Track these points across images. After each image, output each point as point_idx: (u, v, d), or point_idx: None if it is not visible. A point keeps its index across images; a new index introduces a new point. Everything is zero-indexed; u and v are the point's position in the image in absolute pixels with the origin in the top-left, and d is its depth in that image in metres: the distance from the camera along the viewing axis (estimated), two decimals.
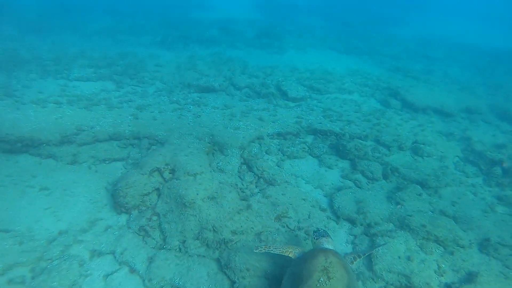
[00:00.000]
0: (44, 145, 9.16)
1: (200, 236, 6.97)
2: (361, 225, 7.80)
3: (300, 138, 10.46)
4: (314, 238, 6.03)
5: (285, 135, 10.44)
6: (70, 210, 7.89)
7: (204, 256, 6.85)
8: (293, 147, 10.01)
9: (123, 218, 7.81)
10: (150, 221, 7.45)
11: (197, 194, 7.38)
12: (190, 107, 11.34)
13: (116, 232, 7.46)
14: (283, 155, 9.79)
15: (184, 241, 7.02)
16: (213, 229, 6.94)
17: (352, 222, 7.90)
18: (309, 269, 4.90)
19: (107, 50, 16.07)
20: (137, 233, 7.35)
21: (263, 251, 5.96)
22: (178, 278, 6.51)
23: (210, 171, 8.26)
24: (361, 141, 10.24)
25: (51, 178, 8.66)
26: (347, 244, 7.50)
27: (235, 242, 6.87)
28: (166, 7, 24.41)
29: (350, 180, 9.21)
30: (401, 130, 11.25)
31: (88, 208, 8.01)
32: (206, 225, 6.98)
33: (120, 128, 9.72)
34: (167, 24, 20.52)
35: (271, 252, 5.90)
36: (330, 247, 5.69)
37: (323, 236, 6.01)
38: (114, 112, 10.60)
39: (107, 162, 9.29)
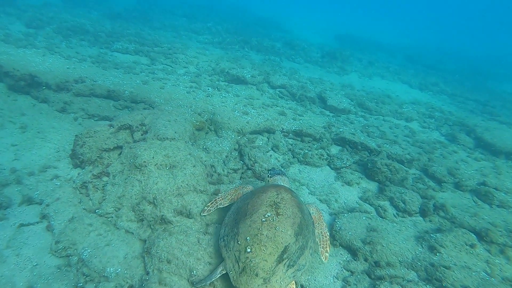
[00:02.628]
0: (44, 87, 8.75)
1: (136, 208, 5.39)
2: (365, 260, 5.51)
3: (321, 143, 8.46)
4: (268, 177, 5.55)
5: (303, 136, 8.58)
6: (33, 152, 7.26)
7: (132, 233, 5.26)
8: (309, 151, 8.05)
9: (76, 172, 6.66)
10: (96, 179, 6.13)
11: (153, 157, 5.90)
12: (209, 89, 10.25)
13: (58, 184, 6.31)
14: (293, 156, 7.90)
15: (118, 209, 5.51)
16: (154, 202, 5.33)
17: (353, 252, 5.65)
18: (256, 203, 4.46)
19: (162, 37, 16.18)
20: (77, 190, 6.07)
21: (212, 210, 5.32)
22: (89, 251, 4.99)
23: (186, 142, 6.74)
24: (401, 166, 7.86)
25: (35, 120, 8.19)
26: (336, 280, 5.22)
27: (174, 226, 5.13)
28: (246, 23, 24.74)
29: (371, 205, 6.91)
30: (465, 167, 8.53)
31: (50, 155, 7.22)
32: (147, 195, 5.39)
33: (121, 87, 8.94)
34: (234, 31, 20.47)
35: (221, 207, 5.32)
36: (285, 184, 5.22)
37: (279, 174, 5.55)
38: (127, 76, 9.96)
39: (95, 118, 8.49)
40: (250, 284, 3.90)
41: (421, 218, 6.79)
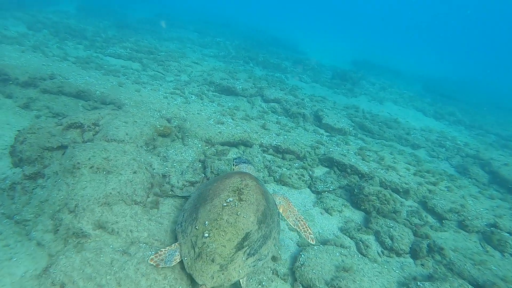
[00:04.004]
0: (11, 82, 8.28)
1: (55, 216, 4.57)
2: None
3: (304, 162, 7.51)
4: (233, 165, 5.38)
5: (285, 152, 7.67)
6: None
7: (43, 245, 4.40)
8: (288, 170, 7.11)
9: (13, 171, 5.97)
10: (29, 180, 5.38)
11: (89, 159, 5.13)
12: (191, 97, 9.59)
13: None
14: (269, 174, 6.97)
15: (37, 216, 4.71)
16: (74, 210, 4.47)
17: None
18: (219, 188, 4.26)
19: (163, 47, 15.88)
20: (5, 191, 5.33)
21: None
22: None
23: (137, 146, 5.97)
24: (395, 195, 6.81)
25: None
26: None
27: (91, 241, 4.25)
28: (260, 42, 24.51)
29: (351, 239, 5.85)
30: (474, 204, 7.35)
31: None
32: (69, 202, 4.58)
33: (93, 87, 8.38)
34: (243, 47, 20.11)
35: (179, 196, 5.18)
36: (251, 173, 5.04)
37: (245, 162, 5.37)
38: (105, 77, 9.46)
39: (60, 117, 7.84)
40: (206, 271, 3.64)
41: (411, 260, 5.68)
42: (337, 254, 5.24)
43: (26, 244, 4.51)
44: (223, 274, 3.67)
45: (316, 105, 11.48)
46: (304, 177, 7.05)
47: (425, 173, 8.32)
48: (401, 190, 7.23)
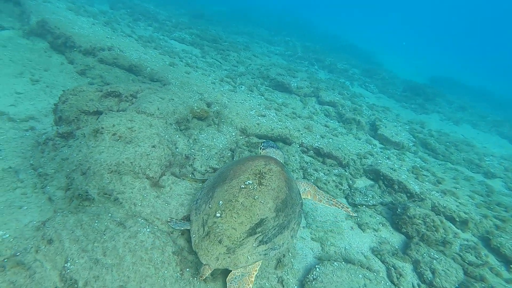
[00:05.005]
0: (75, 49, 8.86)
1: (69, 175, 4.63)
2: None
3: (345, 170, 6.84)
4: (260, 149, 5.23)
5: (326, 156, 7.06)
6: (31, 103, 7.49)
7: (53, 201, 4.47)
8: (325, 175, 6.52)
9: (53, 129, 6.31)
10: (61, 138, 5.57)
11: (113, 125, 5.13)
12: (241, 87, 9.36)
13: (27, 134, 6.06)
14: (303, 176, 6.45)
15: (56, 172, 4.84)
16: (86, 173, 4.48)
17: None
18: (240, 169, 4.11)
19: (230, 38, 16.04)
20: (40, 145, 5.61)
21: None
22: None
23: (166, 123, 5.88)
24: (448, 223, 5.87)
25: (53, 77, 8.36)
26: None
27: (92, 207, 4.21)
28: (332, 47, 23.75)
29: (382, 262, 5.13)
30: None
31: (44, 109, 7.34)
32: (84, 163, 4.59)
33: (145, 63, 8.56)
34: (313, 50, 19.51)
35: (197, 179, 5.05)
36: (278, 158, 4.86)
37: (272, 147, 5.21)
38: (161, 57, 9.66)
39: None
40: (211, 251, 3.52)
41: None
42: (360, 276, 4.58)
43: (40, 197, 4.63)
44: (229, 257, 3.50)
45: (375, 114, 10.58)
46: (342, 185, 6.40)
47: (495, 206, 7.08)
48: (457, 219, 6.21)
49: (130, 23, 13.33)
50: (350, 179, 6.66)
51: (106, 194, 4.31)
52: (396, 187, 6.58)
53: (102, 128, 5.10)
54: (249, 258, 3.56)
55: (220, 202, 3.77)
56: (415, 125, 11.38)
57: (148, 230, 3.88)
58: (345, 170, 6.85)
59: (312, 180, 6.39)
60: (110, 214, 4.08)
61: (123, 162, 4.62)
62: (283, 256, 4.50)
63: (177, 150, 5.60)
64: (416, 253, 5.23)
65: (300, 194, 4.52)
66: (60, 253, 3.47)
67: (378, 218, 5.94)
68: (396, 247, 5.47)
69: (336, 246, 5.24)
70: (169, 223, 4.00)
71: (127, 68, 8.47)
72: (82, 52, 8.76)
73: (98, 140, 4.99)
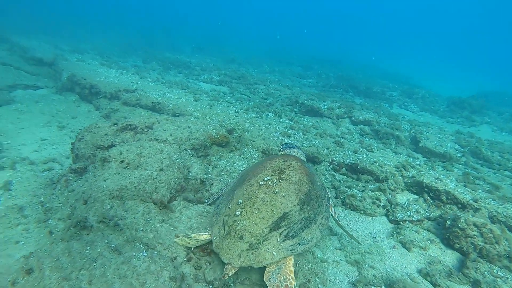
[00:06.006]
0: (101, 96, 9.29)
1: (72, 205, 4.52)
2: None
3: (383, 185, 6.09)
4: (280, 151, 5.15)
5: (361, 172, 6.39)
6: (54, 147, 7.75)
7: (52, 233, 4.37)
8: (360, 192, 5.84)
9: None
10: (74, 174, 5.56)
11: (121, 153, 5.02)
12: (268, 114, 9.11)
13: (43, 175, 6.18)
14: (336, 196, 5.85)
15: (62, 205, 4.77)
16: (87, 201, 4.32)
17: None
18: (258, 168, 4.04)
19: (259, 75, 16.24)
20: (54, 183, 5.65)
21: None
22: None
23: (180, 148, 5.67)
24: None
25: (79, 123, 8.65)
26: None
27: (89, 234, 3.96)
28: (368, 74, 23.23)
29: (434, 286, 4.28)
30: None
31: (66, 152, 7.52)
32: (87, 192, 4.46)
33: (167, 101, 8.70)
34: (347, 78, 19.04)
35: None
36: (298, 157, 4.69)
37: (292, 147, 5.11)
38: (183, 94, 9.83)
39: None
40: (232, 248, 3.35)
41: None
42: None
43: (41, 230, 4.51)
44: (252, 254, 3.31)
45: (416, 128, 9.71)
46: (380, 201, 5.64)
47: None
48: None
49: (161, 72, 13.98)
50: (390, 194, 5.88)
51: (105, 220, 4.04)
52: (443, 198, 5.68)
53: (109, 156, 5.01)
54: (275, 254, 3.34)
55: (240, 200, 3.67)
56: (463, 135, 10.25)
57: (144, 254, 3.50)
58: (383, 185, 6.09)
59: (343, 195, 5.73)
60: (106, 241, 3.77)
61: (126, 186, 4.39)
62: (308, 282, 3.85)
63: (191, 174, 5.30)
64: (475, 271, 4.28)
65: (325, 188, 4.32)
66: (37, 283, 3.16)
67: (425, 234, 5.07)
68: (450, 266, 4.54)
69: (376, 269, 4.45)
70: (179, 237, 3.73)
71: (150, 107, 8.62)
72: (107, 97, 9.14)
73: (105, 169, 4.87)
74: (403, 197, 6.04)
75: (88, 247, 3.57)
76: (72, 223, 4.10)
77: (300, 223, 3.58)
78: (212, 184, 5.45)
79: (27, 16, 27.75)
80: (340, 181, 6.19)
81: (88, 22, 29.97)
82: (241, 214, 3.53)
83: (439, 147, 8.12)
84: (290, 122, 8.77)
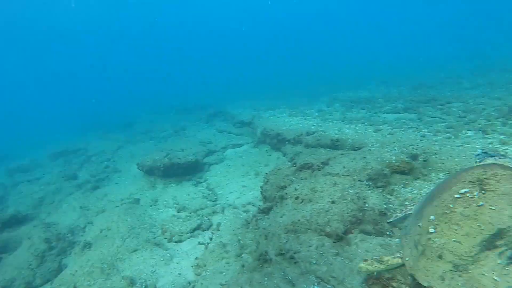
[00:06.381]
0: (287, 143, 10.22)
1: (257, 241, 4.99)
2: None
3: None
4: (476, 162, 4.17)
5: None
6: (251, 193, 8.68)
7: (243, 266, 4.84)
8: None
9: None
10: (262, 214, 6.21)
11: (295, 189, 5.31)
12: (467, 133, 7.76)
13: (240, 216, 7.17)
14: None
15: (249, 244, 5.33)
16: (268, 235, 4.69)
17: None
18: (451, 182, 3.43)
19: (456, 93, 14.21)
20: (248, 222, 6.48)
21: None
22: None
23: (355, 179, 5.43)
24: None
25: (267, 168, 9.70)
26: None
27: (269, 267, 4.23)
28: None
29: None
30: None
31: (256, 194, 8.28)
32: (267, 227, 4.86)
33: (345, 136, 8.70)
34: None
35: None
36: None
37: (493, 156, 4.11)
38: (364, 127, 9.59)
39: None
40: (431, 269, 2.93)
41: None
42: None
43: (237, 263, 5.11)
44: (460, 276, 2.76)
45: None
46: None
47: None
48: None
49: (343, 112, 14.17)
50: None
51: (282, 253, 4.19)
52: None
53: (286, 193, 5.31)
54: (497, 280, 2.62)
55: (432, 217, 3.18)
56: None
57: (316, 287, 3.38)
58: None
59: None
60: (283, 273, 3.91)
61: (299, 220, 4.49)
62: None
63: (367, 205, 4.94)
64: None
65: None
66: None
67: None
68: None
69: None
70: (367, 261, 3.42)
71: (329, 146, 8.76)
72: (291, 143, 9.90)
73: (283, 206, 5.16)
74: None
75: (266, 278, 3.78)
76: (255, 256, 4.45)
77: None
78: (395, 214, 4.89)
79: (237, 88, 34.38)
80: None
81: (279, 82, 34.17)
82: (436, 231, 3.06)
83: None
84: (502, 137, 7.08)
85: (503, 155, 4.13)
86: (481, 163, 4.05)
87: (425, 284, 2.90)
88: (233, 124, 17.56)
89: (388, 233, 4.45)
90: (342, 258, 3.92)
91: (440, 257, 2.91)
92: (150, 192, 9.90)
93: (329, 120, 11.66)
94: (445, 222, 3.04)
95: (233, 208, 7.82)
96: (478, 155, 4.37)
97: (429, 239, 3.05)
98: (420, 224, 3.29)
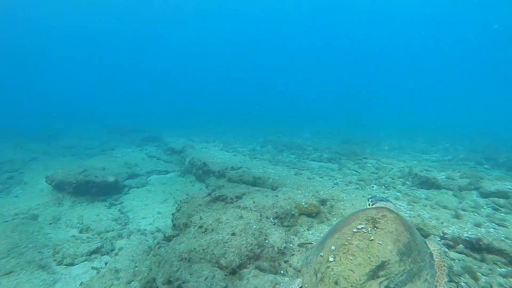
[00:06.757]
0: (211, 175, 10.14)
1: (149, 267, 4.74)
2: None
3: None
4: (369, 204, 4.82)
5: (485, 251, 5.00)
6: (163, 219, 8.33)
7: None
8: (484, 276, 4.54)
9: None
10: (167, 241, 5.97)
11: (200, 218, 5.23)
12: (373, 187, 8.36)
13: (146, 242, 6.77)
14: (449, 280, 4.66)
15: (142, 270, 5.02)
16: (159, 263, 4.47)
17: None
18: (350, 219, 3.94)
19: (373, 151, 15.41)
20: (151, 250, 6.15)
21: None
22: None
23: (261, 215, 5.52)
24: None
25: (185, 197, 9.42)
26: None
27: None
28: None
29: None
30: None
31: (169, 222, 7.97)
32: (163, 254, 4.64)
33: (267, 175, 8.92)
34: (481, 151, 16.39)
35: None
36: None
37: (382, 200, 4.82)
38: (286, 169, 9.94)
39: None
40: None
41: None
42: None
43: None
44: None
45: None
46: None
47: None
48: None
49: (274, 154, 14.60)
50: None
51: (170, 281, 4.02)
52: None
53: (191, 221, 5.20)
54: None
55: (333, 247, 3.54)
56: None
57: None
58: None
59: (463, 284, 4.46)
60: None
61: (195, 249, 4.39)
62: None
63: (267, 242, 4.99)
64: None
65: (427, 244, 3.94)
66: None
67: None
68: None
69: None
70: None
71: (251, 183, 8.87)
72: (216, 175, 9.87)
73: (185, 233, 5.02)
74: None
75: None
76: (143, 284, 4.21)
77: (401, 276, 3.26)
78: (293, 255, 4.99)
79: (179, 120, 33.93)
80: (455, 260, 4.91)
81: (224, 119, 34.53)
82: (334, 260, 3.38)
83: None
84: (398, 193, 7.76)
85: (388, 200, 4.78)
86: (373, 205, 4.67)
87: None
88: (164, 151, 17.18)
89: (282, 272, 4.51)
90: None
91: (336, 283, 3.19)
92: (53, 208, 9.06)
93: (257, 159, 11.92)
94: (343, 253, 3.39)
95: (141, 233, 7.43)
96: (370, 198, 4.96)
97: (328, 267, 3.35)
98: (321, 254, 3.59)
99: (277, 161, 11.59)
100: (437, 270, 3.73)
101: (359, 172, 10.87)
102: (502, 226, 5.84)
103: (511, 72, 72.01)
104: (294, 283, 3.68)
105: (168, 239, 5.87)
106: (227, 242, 4.54)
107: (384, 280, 3.19)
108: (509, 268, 4.68)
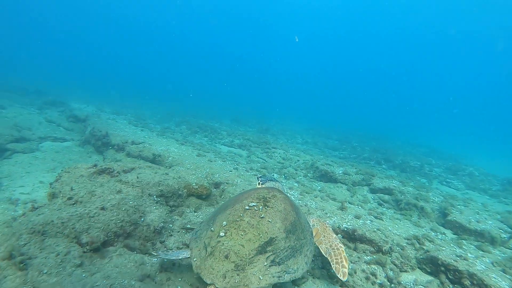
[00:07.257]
0: (110, 147, 9.36)
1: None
2: None
3: (381, 257, 4.94)
4: (259, 184, 4.99)
5: (358, 240, 5.30)
6: (44, 189, 7.23)
7: None
8: (352, 263, 4.76)
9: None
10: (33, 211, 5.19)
11: (71, 189, 4.62)
12: (274, 175, 8.46)
13: (12, 213, 5.91)
14: (321, 266, 4.80)
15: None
16: (14, 234, 3.83)
17: None
18: (242, 196, 4.04)
19: (285, 143, 15.85)
20: (9, 219, 5.33)
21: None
22: None
23: (141, 192, 5.15)
24: None
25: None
26: None
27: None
28: (411, 153, 21.87)
29: None
30: None
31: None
32: (19, 226, 3.99)
33: (168, 154, 8.48)
34: (383, 152, 17.95)
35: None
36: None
37: (271, 180, 5.06)
38: (189, 150, 9.59)
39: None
40: (216, 268, 3.28)
41: None
42: None
43: None
44: (238, 275, 3.22)
45: (449, 201, 8.28)
46: (376, 278, 4.47)
47: None
48: None
49: (187, 135, 14.13)
50: (391, 270, 4.68)
51: (13, 256, 3.46)
52: (467, 283, 4.35)
53: (60, 191, 4.59)
54: (261, 278, 3.25)
55: (224, 222, 3.62)
56: None
57: None
58: (384, 258, 4.91)
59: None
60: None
61: (52, 221, 3.85)
62: None
63: (142, 220, 4.65)
64: None
65: (309, 223, 4.38)
66: None
67: None
68: None
69: None
70: (155, 253, 3.92)
71: (151, 159, 8.38)
72: (115, 148, 9.15)
73: (50, 204, 4.43)
74: (411, 277, 4.77)
75: None
76: None
77: (286, 251, 3.53)
78: (171, 235, 4.73)
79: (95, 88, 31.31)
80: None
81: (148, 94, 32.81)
82: (225, 236, 3.48)
83: (474, 223, 6.68)
84: (295, 184, 7.97)
85: (277, 181, 5.14)
86: (263, 185, 4.92)
87: (208, 282, 3.21)
88: (66, 118, 15.56)
89: (153, 253, 4.23)
90: (82, 271, 3.45)
91: (226, 257, 3.30)
92: None
93: (165, 137, 11.37)
94: (235, 228, 3.51)
95: (10, 203, 6.50)
96: (260, 177, 5.17)
97: (219, 241, 3.44)
98: (212, 229, 3.66)
99: (186, 141, 11.18)
100: (323, 234, 4.29)
101: (266, 161, 11.00)
102: (379, 219, 6.30)
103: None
104: (180, 254, 3.68)
105: (36, 209, 5.18)
106: (93, 217, 4.08)
107: (271, 254, 3.42)
108: (374, 256, 5.01)
